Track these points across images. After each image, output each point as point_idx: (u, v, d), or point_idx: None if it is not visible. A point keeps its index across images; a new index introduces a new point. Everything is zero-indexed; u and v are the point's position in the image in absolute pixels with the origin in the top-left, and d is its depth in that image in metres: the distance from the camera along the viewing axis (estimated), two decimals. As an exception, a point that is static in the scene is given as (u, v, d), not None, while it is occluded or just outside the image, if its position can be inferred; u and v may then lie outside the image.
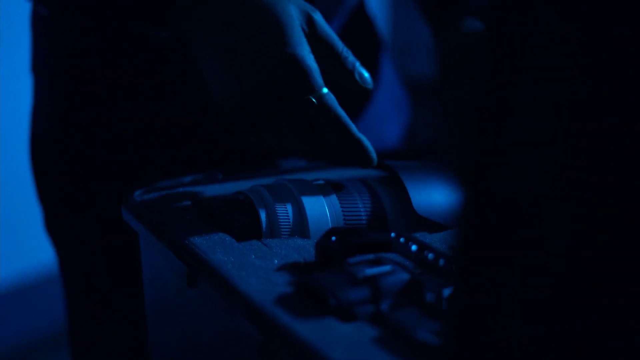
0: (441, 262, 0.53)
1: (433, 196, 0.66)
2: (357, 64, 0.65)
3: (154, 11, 0.65)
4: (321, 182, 0.66)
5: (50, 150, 0.82)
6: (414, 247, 0.55)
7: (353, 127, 0.64)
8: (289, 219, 0.62)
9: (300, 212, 0.63)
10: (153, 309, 0.69)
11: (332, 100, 0.63)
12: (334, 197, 0.64)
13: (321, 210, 0.63)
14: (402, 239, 0.56)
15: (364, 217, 0.64)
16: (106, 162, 0.80)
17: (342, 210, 0.64)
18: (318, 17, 0.64)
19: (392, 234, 0.56)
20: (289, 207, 0.63)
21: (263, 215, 0.62)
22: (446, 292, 0.50)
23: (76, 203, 0.81)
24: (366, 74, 0.65)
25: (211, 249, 0.58)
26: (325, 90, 0.62)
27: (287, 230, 0.62)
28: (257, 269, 0.55)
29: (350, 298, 0.50)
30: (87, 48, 0.78)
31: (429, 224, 0.65)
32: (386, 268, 0.52)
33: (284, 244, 0.60)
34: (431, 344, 0.46)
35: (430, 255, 0.53)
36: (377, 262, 0.53)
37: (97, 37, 0.77)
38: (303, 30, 0.62)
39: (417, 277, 0.51)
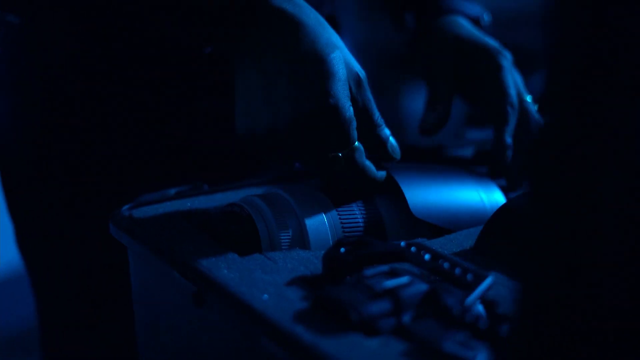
0: (457, 271, 0.52)
1: (430, 198, 0.65)
2: (390, 134, 0.66)
3: (205, 26, 0.63)
4: (315, 189, 0.65)
5: (22, 164, 0.79)
6: (427, 256, 0.54)
7: (374, 173, 0.64)
8: (288, 230, 0.61)
9: (299, 222, 0.62)
10: (145, 328, 0.66)
11: (360, 155, 0.63)
12: (330, 205, 0.64)
13: (319, 219, 0.62)
14: (413, 249, 0.55)
15: (361, 224, 0.64)
16: (82, 174, 0.77)
17: (340, 218, 0.63)
18: (365, 80, 0.64)
19: (402, 243, 0.56)
20: (288, 219, 0.62)
21: (262, 228, 0.61)
22: (469, 301, 0.50)
23: (51, 219, 0.79)
24: (396, 146, 0.67)
25: (215, 266, 0.57)
26: (356, 144, 0.63)
27: (287, 241, 0.61)
28: (267, 285, 0.54)
29: (372, 312, 0.49)
30: (66, 56, 0.75)
31: (426, 227, 0.65)
32: (404, 279, 0.51)
33: (288, 257, 0.59)
34: (459, 355, 0.46)
35: (446, 265, 0.53)
36: (393, 274, 0.52)
37: (77, 46, 0.75)
38: (350, 88, 0.62)
39: (436, 288, 0.51)
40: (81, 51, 0.75)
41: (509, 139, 0.72)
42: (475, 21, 0.80)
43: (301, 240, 0.61)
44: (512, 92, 0.73)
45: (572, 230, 0.31)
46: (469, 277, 0.52)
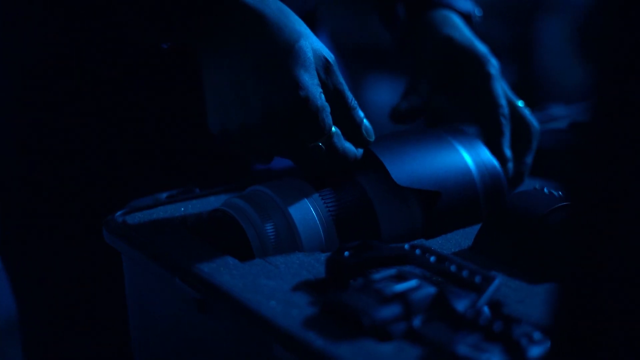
0: (465, 273, 0.52)
1: (411, 164, 0.65)
2: (364, 116, 0.65)
3: (169, 23, 0.62)
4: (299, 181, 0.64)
5: (5, 169, 0.78)
6: (432, 259, 0.54)
7: (355, 153, 0.64)
8: (275, 224, 0.61)
9: (283, 214, 0.61)
10: (142, 334, 0.66)
11: (339, 139, 0.63)
12: (312, 190, 0.63)
13: (303, 206, 0.61)
14: (418, 251, 0.55)
15: (347, 204, 0.63)
16: (67, 179, 0.76)
17: (324, 201, 0.62)
18: (334, 64, 0.63)
19: (406, 246, 0.56)
20: (271, 212, 0.61)
21: (249, 228, 0.60)
22: (481, 304, 0.50)
23: (36, 225, 0.77)
24: (370, 128, 0.66)
25: (217, 272, 0.56)
26: (334, 129, 0.62)
27: (275, 235, 0.60)
28: (272, 291, 0.54)
29: (383, 316, 0.49)
30: (41, 59, 0.74)
31: (414, 195, 0.65)
32: (412, 283, 0.51)
33: (289, 261, 0.58)
34: (474, 358, 0.46)
35: (453, 267, 0.53)
36: (401, 277, 0.52)
37: (54, 48, 0.73)
38: (319, 75, 0.62)
39: (444, 291, 0.51)
40: (58, 54, 0.74)
41: (507, 151, 0.72)
42: (467, 17, 0.80)
43: (289, 230, 0.61)
44: (503, 102, 0.73)
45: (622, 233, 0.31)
46: (477, 279, 0.52)
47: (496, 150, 0.71)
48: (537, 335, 0.48)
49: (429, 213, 0.65)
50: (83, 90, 0.75)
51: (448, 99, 0.78)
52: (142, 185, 0.75)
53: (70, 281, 0.78)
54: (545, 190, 0.74)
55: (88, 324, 0.77)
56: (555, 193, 0.73)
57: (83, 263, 0.76)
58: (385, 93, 2.41)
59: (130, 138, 0.76)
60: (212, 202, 0.69)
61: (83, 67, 0.75)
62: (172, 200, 0.68)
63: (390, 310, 0.49)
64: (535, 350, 0.47)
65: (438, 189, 0.65)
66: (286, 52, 0.60)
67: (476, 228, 0.64)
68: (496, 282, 0.52)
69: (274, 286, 0.55)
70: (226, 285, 0.54)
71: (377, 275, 0.52)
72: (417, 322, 0.49)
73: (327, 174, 0.64)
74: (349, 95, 0.64)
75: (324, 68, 0.62)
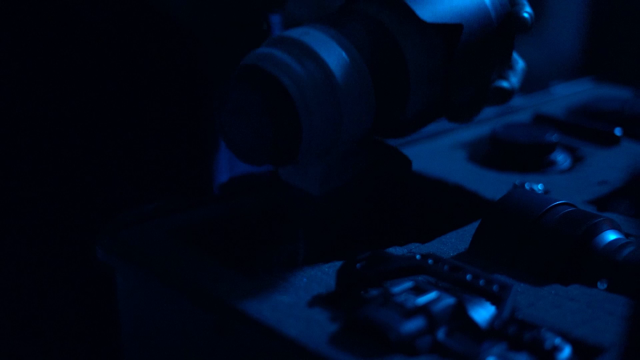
0: (482, 282, 0.53)
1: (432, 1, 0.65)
2: None
3: None
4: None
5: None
6: (445, 268, 0.55)
7: None
8: (312, 75, 0.59)
9: (320, 63, 0.59)
10: (140, 356, 0.64)
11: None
12: (341, 38, 0.61)
13: (337, 52, 0.60)
14: (430, 261, 0.55)
15: (377, 48, 0.62)
16: (45, 191, 0.74)
17: (353, 44, 0.61)
18: None
19: (418, 256, 0.56)
20: (307, 62, 0.59)
21: (287, 81, 0.58)
22: (505, 313, 0.51)
23: (17, 239, 0.75)
24: None
25: (230, 291, 0.55)
26: None
27: (313, 85, 0.59)
28: (289, 308, 0.53)
29: (409, 331, 0.49)
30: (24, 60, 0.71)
31: (440, 35, 0.64)
32: (433, 295, 0.51)
33: (298, 274, 0.58)
34: (503, 369, 0.47)
35: (469, 276, 0.53)
36: (419, 290, 0.52)
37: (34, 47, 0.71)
38: None
39: (464, 301, 0.51)
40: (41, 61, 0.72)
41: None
42: None
43: (323, 69, 0.59)
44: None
45: None
46: (495, 288, 0.52)
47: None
48: (558, 341, 0.49)
49: (452, 46, 0.65)
50: (67, 102, 0.72)
51: None
52: (122, 197, 0.73)
53: (51, 294, 0.75)
54: (527, 186, 0.76)
55: (78, 344, 0.76)
56: (535, 188, 0.75)
57: (68, 278, 0.74)
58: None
59: (112, 148, 0.74)
60: (202, 211, 0.68)
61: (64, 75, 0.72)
62: (158, 211, 0.67)
63: (415, 324, 0.49)
64: (561, 356, 0.48)
65: (460, 21, 0.65)
66: None
67: (471, 230, 0.64)
68: (514, 290, 0.52)
69: (289, 302, 0.54)
70: (241, 304, 0.54)
71: (396, 289, 0.52)
72: (440, 334, 0.50)
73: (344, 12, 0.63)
74: None
75: None
